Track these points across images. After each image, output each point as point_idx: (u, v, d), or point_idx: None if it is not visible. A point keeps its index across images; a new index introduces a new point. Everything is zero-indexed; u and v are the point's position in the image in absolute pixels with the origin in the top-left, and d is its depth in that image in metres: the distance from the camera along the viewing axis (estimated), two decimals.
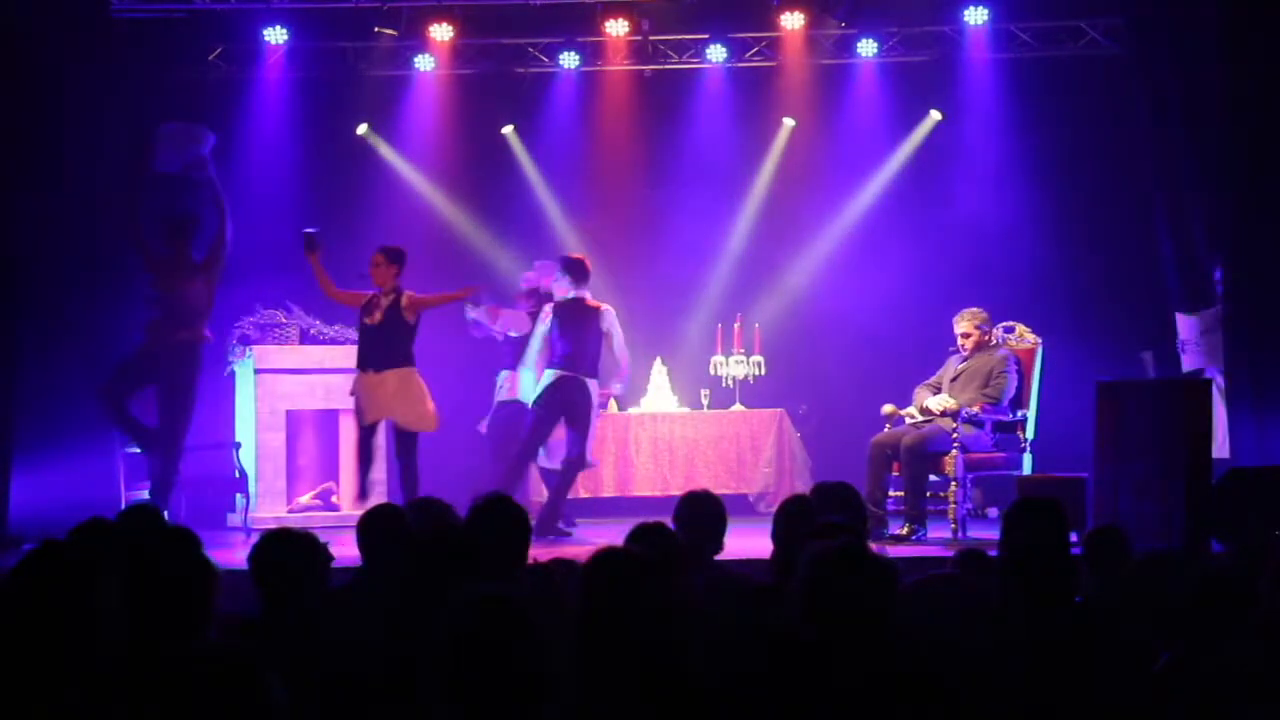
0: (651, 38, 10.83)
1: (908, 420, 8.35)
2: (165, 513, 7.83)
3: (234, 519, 9.00)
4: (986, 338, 8.45)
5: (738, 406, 10.03)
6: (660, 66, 11.12)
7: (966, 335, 8.44)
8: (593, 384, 8.79)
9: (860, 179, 11.27)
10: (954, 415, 8.13)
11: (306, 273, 10.19)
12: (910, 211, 11.05)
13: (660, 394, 10.20)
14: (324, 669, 3.51)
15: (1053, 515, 4.12)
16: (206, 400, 9.44)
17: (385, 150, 11.16)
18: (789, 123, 11.34)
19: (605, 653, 2.93)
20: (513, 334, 9.27)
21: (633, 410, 10.10)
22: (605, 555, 3.16)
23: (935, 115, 11.13)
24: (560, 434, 8.83)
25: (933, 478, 8.18)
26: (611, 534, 7.59)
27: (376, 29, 10.55)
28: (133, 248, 8.58)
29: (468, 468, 9.49)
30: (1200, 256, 9.75)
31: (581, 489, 9.81)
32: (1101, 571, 4.69)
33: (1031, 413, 8.43)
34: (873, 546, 3.56)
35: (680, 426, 9.93)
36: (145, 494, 8.80)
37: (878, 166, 11.25)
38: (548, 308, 8.93)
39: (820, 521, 4.31)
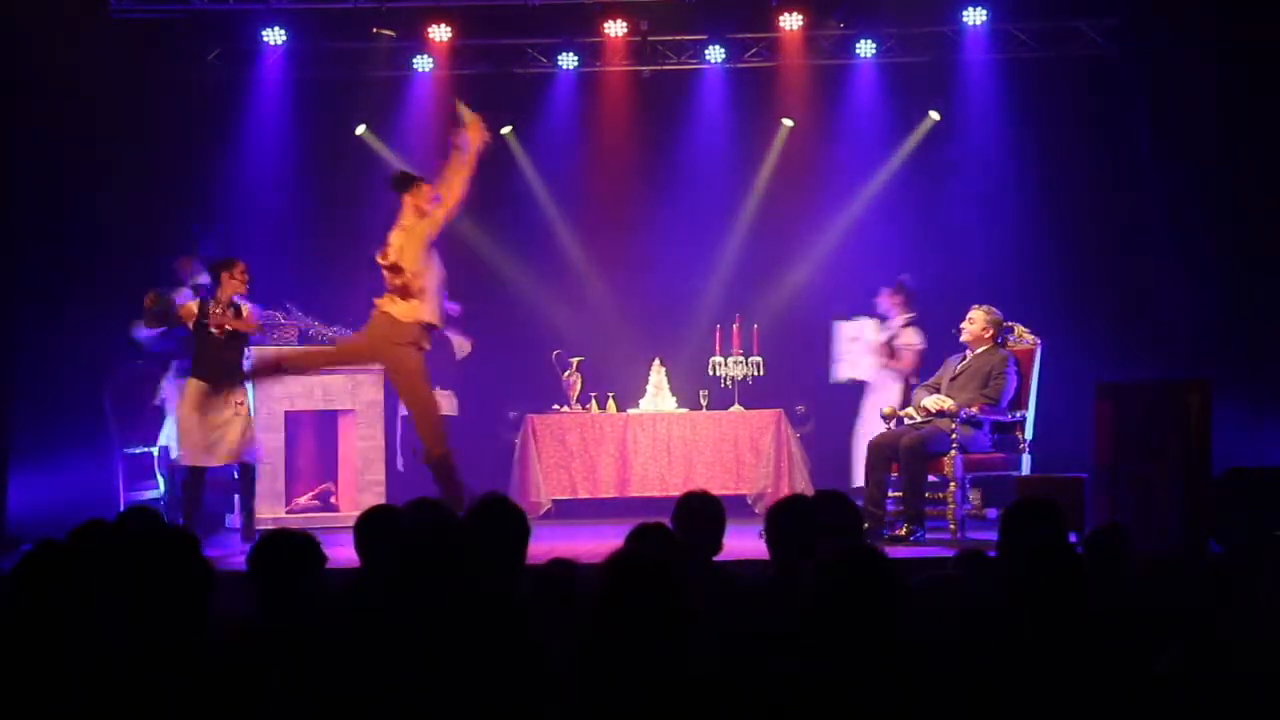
0: (650, 38, 10.83)
1: (907, 421, 8.35)
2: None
3: (233, 520, 9.00)
4: (987, 335, 8.42)
5: (736, 407, 10.01)
6: (659, 67, 11.11)
7: (972, 321, 8.41)
8: None
9: (859, 179, 11.26)
10: (953, 416, 8.12)
11: (305, 273, 10.22)
12: (908, 212, 11.04)
13: (659, 394, 10.19)
14: (322, 670, 3.51)
15: (1052, 516, 4.12)
16: None
17: (384, 151, 11.15)
18: (787, 123, 11.34)
19: (607, 654, 2.93)
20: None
21: (631, 411, 10.09)
22: (625, 560, 3.12)
23: (934, 116, 11.13)
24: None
25: (932, 478, 8.17)
26: (610, 534, 7.59)
27: (375, 30, 10.54)
28: None
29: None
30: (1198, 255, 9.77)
31: (580, 489, 9.80)
32: (1101, 572, 4.68)
33: (1030, 413, 8.42)
34: None
35: (679, 427, 9.91)
36: (151, 495, 8.83)
37: (876, 167, 11.25)
38: None
39: (821, 522, 4.31)
